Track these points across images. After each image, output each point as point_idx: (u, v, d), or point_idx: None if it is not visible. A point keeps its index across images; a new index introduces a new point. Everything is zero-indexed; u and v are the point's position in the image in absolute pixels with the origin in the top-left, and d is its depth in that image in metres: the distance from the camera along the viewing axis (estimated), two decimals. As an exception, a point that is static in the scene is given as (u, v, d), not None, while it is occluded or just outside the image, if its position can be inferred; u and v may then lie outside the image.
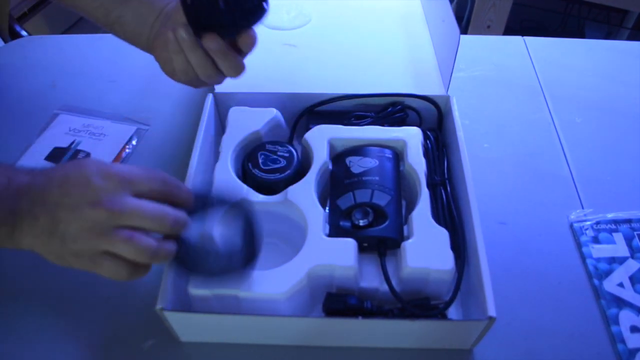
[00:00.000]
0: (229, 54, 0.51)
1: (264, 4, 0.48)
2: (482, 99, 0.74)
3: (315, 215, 0.51)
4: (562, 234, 0.58)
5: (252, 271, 0.45)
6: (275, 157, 0.56)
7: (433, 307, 0.48)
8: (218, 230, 0.50)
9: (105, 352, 0.49)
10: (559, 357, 0.49)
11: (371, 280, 0.49)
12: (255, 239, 0.45)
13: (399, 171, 0.56)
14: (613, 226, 0.58)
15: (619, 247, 0.57)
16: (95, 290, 0.54)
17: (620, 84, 0.77)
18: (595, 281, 0.54)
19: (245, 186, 0.54)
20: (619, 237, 0.57)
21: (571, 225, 0.59)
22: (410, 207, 0.53)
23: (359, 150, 0.57)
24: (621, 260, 0.55)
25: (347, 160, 0.56)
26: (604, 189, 0.63)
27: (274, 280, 0.46)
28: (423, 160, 0.56)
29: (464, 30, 1.60)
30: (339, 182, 0.55)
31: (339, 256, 0.48)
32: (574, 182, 0.64)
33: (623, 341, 0.49)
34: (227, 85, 0.60)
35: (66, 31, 1.94)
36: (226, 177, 0.54)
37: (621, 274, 0.54)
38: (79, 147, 0.66)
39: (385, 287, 0.48)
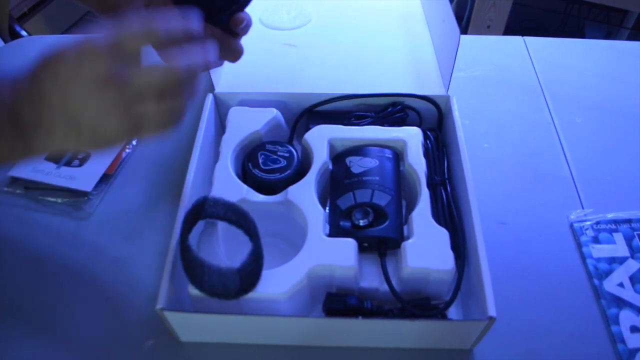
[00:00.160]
0: (225, 38, 0.50)
1: None
2: (482, 99, 0.74)
3: (316, 215, 0.51)
4: (562, 234, 0.58)
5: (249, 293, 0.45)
6: (275, 157, 0.56)
7: (433, 307, 0.48)
8: (224, 248, 0.50)
9: (105, 352, 0.49)
10: (559, 357, 0.49)
11: (371, 280, 0.49)
12: (259, 264, 0.46)
13: (399, 171, 0.56)
14: (613, 226, 0.58)
15: (619, 247, 0.57)
16: (95, 290, 0.54)
17: (620, 84, 0.77)
18: (596, 281, 0.54)
19: (245, 186, 0.54)
20: (619, 237, 0.57)
21: (571, 225, 0.59)
22: (411, 207, 0.53)
23: (359, 150, 0.57)
24: (621, 260, 0.55)
25: (347, 160, 0.56)
26: (604, 189, 0.63)
27: (274, 280, 0.46)
28: (423, 160, 0.56)
29: (464, 30, 1.60)
30: (339, 182, 0.55)
31: (339, 256, 0.48)
32: (574, 182, 0.64)
33: (623, 341, 0.49)
34: (227, 85, 0.60)
35: (66, 31, 1.95)
36: (226, 177, 0.54)
37: (621, 274, 0.54)
38: (79, 147, 0.66)
39: (385, 287, 0.48)
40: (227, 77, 0.69)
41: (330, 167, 0.57)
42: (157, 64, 0.36)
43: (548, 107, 0.74)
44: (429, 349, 0.49)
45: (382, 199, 0.52)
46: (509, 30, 1.54)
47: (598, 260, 0.55)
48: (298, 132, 0.64)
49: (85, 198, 0.61)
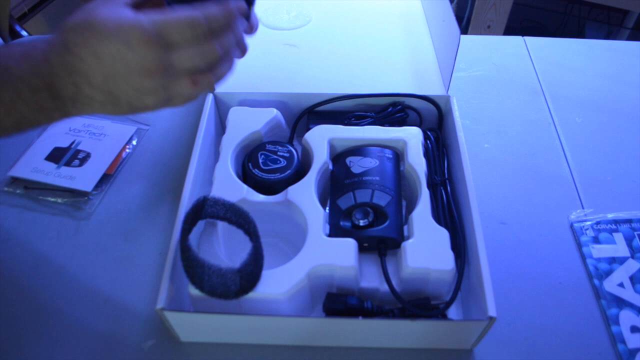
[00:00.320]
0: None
1: None
2: (483, 99, 0.74)
3: (316, 215, 0.51)
4: (562, 234, 0.58)
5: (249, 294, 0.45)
6: (275, 157, 0.56)
7: (433, 307, 0.48)
8: (225, 249, 0.50)
9: (106, 353, 0.49)
10: (559, 357, 0.49)
11: (371, 280, 0.49)
12: (259, 264, 0.46)
13: (399, 171, 0.56)
14: (613, 226, 0.58)
15: (620, 247, 0.57)
16: (95, 290, 0.54)
17: (620, 84, 0.77)
18: (596, 281, 0.54)
19: (245, 186, 0.54)
20: (619, 237, 0.57)
21: (571, 225, 0.59)
22: (411, 207, 0.53)
23: (359, 150, 0.57)
24: (621, 261, 0.55)
25: (348, 160, 0.56)
26: (604, 189, 0.63)
27: (275, 280, 0.46)
28: (423, 160, 0.56)
29: (464, 30, 1.60)
30: (339, 182, 0.55)
31: (340, 256, 0.48)
32: (574, 182, 0.64)
33: (623, 341, 0.49)
34: (228, 85, 0.60)
35: (66, 31, 1.94)
36: (226, 177, 0.54)
37: (621, 274, 0.54)
38: (79, 147, 0.66)
39: (385, 287, 0.48)
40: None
41: (331, 167, 0.57)
42: (197, 48, 0.38)
43: (548, 107, 0.73)
44: (429, 349, 0.49)
45: (382, 199, 0.52)
46: (509, 30, 1.54)
47: (598, 260, 0.55)
48: (298, 132, 0.64)
49: (85, 198, 0.61)
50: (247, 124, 0.60)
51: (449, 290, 0.49)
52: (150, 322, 0.51)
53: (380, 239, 0.50)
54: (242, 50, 0.47)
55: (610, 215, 0.59)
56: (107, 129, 0.69)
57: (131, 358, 0.49)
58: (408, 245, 0.48)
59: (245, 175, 0.56)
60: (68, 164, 0.64)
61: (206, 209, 0.48)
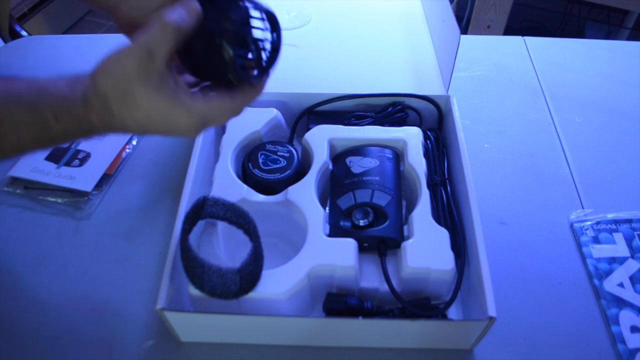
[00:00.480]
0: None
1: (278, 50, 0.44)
2: (483, 99, 0.74)
3: (316, 215, 0.51)
4: (562, 234, 0.58)
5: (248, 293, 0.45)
6: (275, 157, 0.56)
7: (433, 307, 0.48)
8: (225, 250, 0.50)
9: (106, 352, 0.49)
10: (559, 357, 0.49)
11: (371, 280, 0.49)
12: (259, 264, 0.46)
13: (399, 171, 0.56)
14: (613, 226, 0.58)
15: (619, 247, 0.57)
16: (95, 290, 0.54)
17: (620, 84, 0.77)
18: (596, 281, 0.54)
19: (245, 186, 0.54)
20: (619, 237, 0.57)
21: (571, 225, 0.59)
22: (411, 207, 0.53)
23: (359, 150, 0.57)
24: (621, 261, 0.55)
25: (348, 160, 0.56)
26: (604, 189, 0.63)
27: (275, 280, 0.46)
28: (423, 161, 0.56)
29: (464, 30, 1.60)
30: (339, 182, 0.55)
31: (340, 256, 0.48)
32: (574, 182, 0.64)
33: (623, 341, 0.49)
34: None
35: (66, 31, 1.95)
36: (226, 177, 0.54)
37: (621, 274, 0.54)
38: (79, 147, 0.66)
39: (385, 287, 0.48)
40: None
41: (331, 167, 0.57)
42: (227, 106, 0.42)
43: (548, 107, 0.74)
44: (429, 349, 0.49)
45: (382, 199, 0.52)
46: (509, 30, 1.54)
47: (598, 260, 0.55)
48: (298, 132, 0.64)
49: (85, 198, 0.61)
50: (247, 124, 0.60)
51: (449, 290, 0.49)
52: (150, 322, 0.51)
53: (380, 239, 0.50)
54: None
55: (610, 215, 0.59)
56: (107, 129, 0.68)
57: (131, 358, 0.49)
58: (408, 245, 0.48)
59: (245, 175, 0.56)
60: (68, 164, 0.64)
61: (206, 209, 0.48)
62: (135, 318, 0.51)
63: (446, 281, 0.48)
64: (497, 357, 0.49)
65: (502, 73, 0.79)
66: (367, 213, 0.51)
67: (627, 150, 0.68)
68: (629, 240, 0.57)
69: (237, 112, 0.43)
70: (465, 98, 0.73)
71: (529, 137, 0.69)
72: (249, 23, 0.42)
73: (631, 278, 0.54)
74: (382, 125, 0.61)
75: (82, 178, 0.62)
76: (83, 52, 0.83)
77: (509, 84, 0.77)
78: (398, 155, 0.57)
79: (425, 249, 0.48)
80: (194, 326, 0.48)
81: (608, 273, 0.54)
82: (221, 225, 0.51)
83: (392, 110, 0.63)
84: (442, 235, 0.49)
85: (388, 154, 0.56)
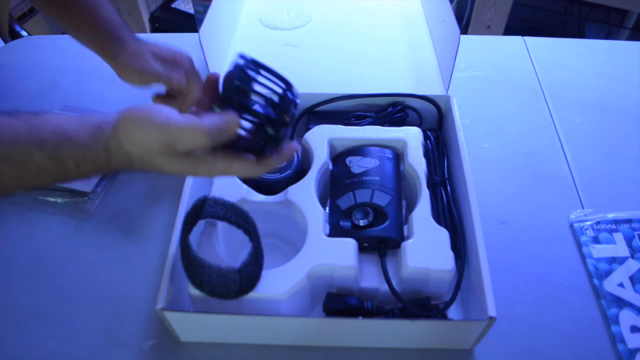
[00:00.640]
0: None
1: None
2: (482, 99, 0.74)
3: (316, 215, 0.51)
4: (562, 234, 0.58)
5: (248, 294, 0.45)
6: (275, 157, 0.56)
7: (433, 307, 0.48)
8: (224, 250, 0.50)
9: (106, 353, 0.49)
10: (559, 357, 0.49)
11: (371, 280, 0.49)
12: (259, 264, 0.46)
13: (399, 171, 0.56)
14: (613, 226, 0.58)
15: (619, 247, 0.57)
16: (95, 290, 0.54)
17: (620, 84, 0.77)
18: (596, 281, 0.54)
19: (245, 186, 0.54)
20: (619, 237, 0.57)
21: (571, 226, 0.59)
22: (411, 207, 0.53)
23: (359, 150, 0.57)
24: (621, 261, 0.55)
25: (347, 160, 0.56)
26: (604, 189, 0.63)
27: (275, 281, 0.46)
28: (423, 161, 0.56)
29: (464, 30, 1.60)
30: (339, 182, 0.55)
31: (339, 256, 0.48)
32: (574, 182, 0.64)
33: (623, 341, 0.49)
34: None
35: (66, 31, 1.94)
36: (226, 177, 0.54)
37: (621, 274, 0.54)
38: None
39: (385, 287, 0.48)
40: (227, 77, 0.69)
41: (330, 167, 0.57)
42: (246, 167, 0.42)
43: (548, 107, 0.73)
44: (429, 349, 0.49)
45: (382, 199, 0.52)
46: (509, 30, 1.54)
47: (598, 260, 0.55)
48: (298, 132, 0.64)
49: (85, 198, 0.61)
50: (247, 124, 0.59)
51: (449, 290, 0.49)
52: (150, 322, 0.51)
53: (380, 239, 0.50)
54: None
55: (610, 215, 0.59)
56: (107, 129, 0.68)
57: (131, 358, 0.49)
58: (408, 245, 0.48)
59: (245, 175, 0.56)
60: (68, 164, 0.64)
61: (206, 209, 0.48)
62: (135, 318, 0.51)
63: (446, 281, 0.48)
64: (497, 357, 0.49)
65: (502, 73, 0.79)
66: (367, 213, 0.51)
67: (627, 150, 0.67)
68: (628, 240, 0.57)
69: (254, 172, 0.43)
70: (465, 98, 0.73)
71: (529, 137, 0.69)
72: (287, 109, 0.42)
73: (631, 278, 0.54)
74: (382, 125, 0.61)
75: (82, 178, 0.62)
76: (83, 52, 0.83)
77: (509, 84, 0.77)
78: (398, 155, 0.57)
79: (425, 249, 0.48)
80: (194, 326, 0.48)
81: (608, 273, 0.54)
82: (221, 225, 0.51)
83: (392, 110, 0.63)
84: (442, 235, 0.49)
85: (388, 154, 0.56)
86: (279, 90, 0.42)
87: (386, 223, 0.51)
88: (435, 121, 0.65)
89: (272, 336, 0.49)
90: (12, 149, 0.36)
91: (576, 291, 0.54)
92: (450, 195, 0.55)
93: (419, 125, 0.61)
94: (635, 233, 0.58)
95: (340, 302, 0.48)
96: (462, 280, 0.49)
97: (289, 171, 0.55)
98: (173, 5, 1.95)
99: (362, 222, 0.51)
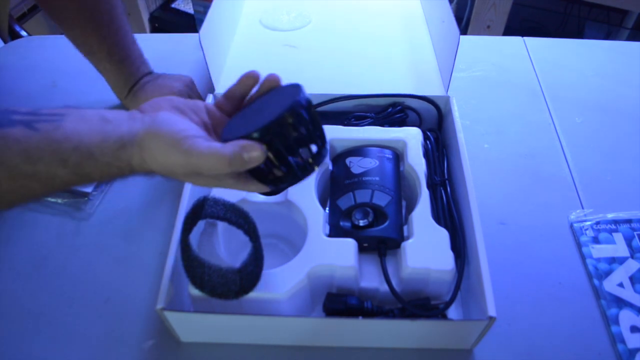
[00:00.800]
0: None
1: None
2: (482, 100, 0.75)
3: (316, 216, 0.51)
4: (562, 234, 0.58)
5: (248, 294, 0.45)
6: (275, 157, 0.56)
7: (433, 307, 0.48)
8: (224, 250, 0.50)
9: (106, 353, 0.49)
10: (559, 357, 0.49)
11: (371, 280, 0.49)
12: (259, 264, 0.46)
13: (399, 171, 0.56)
14: (613, 226, 0.58)
15: (619, 247, 0.57)
16: (95, 290, 0.54)
17: (620, 84, 0.77)
18: (596, 281, 0.54)
19: (245, 186, 0.54)
20: (619, 237, 0.57)
21: (571, 226, 0.59)
22: (410, 207, 0.53)
23: (359, 150, 0.57)
24: (621, 261, 0.55)
25: (347, 160, 0.56)
26: (604, 189, 0.63)
27: (275, 281, 0.46)
28: (423, 161, 0.56)
29: (464, 30, 1.60)
30: (339, 183, 0.55)
31: (339, 256, 0.48)
32: (574, 183, 0.64)
33: (623, 341, 0.49)
34: (228, 86, 0.59)
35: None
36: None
37: (621, 274, 0.54)
38: (79, 148, 0.66)
39: (385, 287, 0.48)
40: (227, 77, 0.69)
41: (330, 167, 0.57)
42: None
43: (548, 107, 0.74)
44: (429, 349, 0.49)
45: (382, 200, 0.52)
46: (508, 31, 1.54)
47: (598, 260, 0.55)
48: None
49: (86, 198, 0.61)
50: (247, 124, 0.60)
51: (448, 290, 0.49)
52: (150, 322, 0.51)
53: (380, 239, 0.50)
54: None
55: (610, 216, 0.59)
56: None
57: (131, 358, 0.49)
58: (408, 246, 0.48)
59: (245, 175, 0.56)
60: (68, 164, 0.64)
61: (206, 209, 0.48)
62: (135, 318, 0.51)
63: (446, 281, 0.48)
64: (497, 357, 0.49)
65: (501, 73, 0.79)
66: (366, 213, 0.51)
67: (627, 150, 0.68)
68: (628, 240, 0.57)
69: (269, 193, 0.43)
70: (465, 98, 0.73)
71: (528, 138, 0.69)
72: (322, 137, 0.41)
73: (631, 278, 0.54)
74: (382, 125, 0.61)
75: (82, 178, 0.62)
76: (83, 52, 0.84)
77: (508, 85, 0.77)
78: (398, 156, 0.58)
79: (425, 249, 0.48)
80: (194, 326, 0.48)
81: (608, 273, 0.54)
82: (221, 225, 0.51)
83: (392, 110, 0.63)
84: (442, 235, 0.49)
85: (388, 154, 0.56)
86: (315, 148, 0.40)
87: (386, 223, 0.51)
88: (435, 122, 0.65)
89: (272, 336, 0.49)
90: (37, 167, 0.36)
91: (576, 291, 0.54)
92: (450, 196, 0.55)
93: (418, 126, 0.61)
94: (635, 233, 0.58)
95: (340, 302, 0.48)
96: (462, 281, 0.49)
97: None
98: (173, 5, 1.95)
99: (362, 223, 0.51)
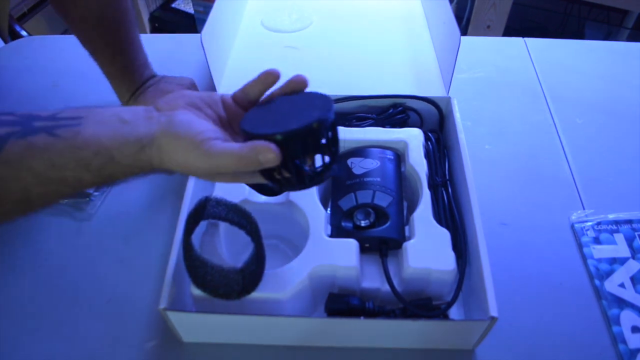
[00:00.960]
0: None
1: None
2: (483, 101, 0.75)
3: (317, 216, 0.51)
4: (563, 235, 0.59)
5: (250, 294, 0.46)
6: (277, 158, 0.56)
7: (435, 307, 0.48)
8: (227, 251, 0.50)
9: (108, 353, 0.50)
10: (560, 358, 0.49)
11: (373, 280, 0.49)
12: (261, 264, 0.46)
13: (401, 172, 0.56)
14: (614, 227, 0.58)
15: (620, 248, 0.57)
16: (97, 290, 0.54)
17: (621, 85, 0.77)
18: (597, 282, 0.54)
19: (247, 187, 0.54)
20: (620, 237, 0.58)
21: (572, 226, 0.59)
22: (412, 207, 0.53)
23: (360, 151, 0.57)
24: (622, 261, 0.56)
25: (349, 161, 0.56)
26: (605, 190, 0.63)
27: (276, 281, 0.46)
28: (424, 162, 0.56)
29: (464, 31, 1.60)
30: (340, 183, 0.55)
31: (341, 256, 0.48)
32: (575, 183, 0.64)
33: (624, 341, 0.49)
34: (228, 87, 0.60)
35: (66, 31, 1.94)
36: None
37: (622, 274, 0.54)
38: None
39: (387, 287, 0.48)
40: (228, 78, 0.69)
41: (332, 168, 0.57)
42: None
43: (549, 108, 0.74)
44: (431, 349, 0.49)
45: (383, 200, 0.52)
46: (508, 31, 1.55)
47: (599, 260, 0.56)
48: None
49: (87, 199, 0.61)
50: (248, 124, 0.60)
51: (450, 290, 0.49)
52: (152, 323, 0.51)
53: (382, 240, 0.50)
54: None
55: (611, 216, 0.59)
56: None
57: (133, 358, 0.49)
58: (409, 246, 0.48)
59: (247, 176, 0.56)
60: (70, 164, 0.64)
61: (208, 210, 0.49)
62: (137, 318, 0.52)
63: (447, 281, 0.48)
64: (498, 358, 0.49)
65: (502, 74, 0.79)
66: (368, 214, 0.51)
67: (628, 150, 0.68)
68: (629, 241, 0.57)
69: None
70: (466, 99, 0.73)
71: (529, 138, 0.69)
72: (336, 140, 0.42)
73: (632, 278, 0.54)
74: (383, 126, 0.61)
75: (84, 179, 0.62)
76: (83, 52, 0.83)
77: (509, 86, 0.77)
78: (399, 157, 0.58)
79: (427, 250, 0.48)
80: (196, 326, 0.48)
81: (609, 273, 0.55)
82: (223, 225, 0.51)
83: (393, 111, 0.64)
84: (444, 235, 0.49)
85: (389, 155, 0.57)
86: (327, 159, 0.41)
87: (387, 224, 0.51)
88: (436, 122, 0.65)
89: (274, 336, 0.49)
90: (63, 173, 0.37)
91: (577, 292, 0.54)
92: (451, 196, 0.55)
93: (420, 127, 0.61)
94: (636, 233, 0.58)
95: (342, 302, 0.48)
96: (464, 281, 0.49)
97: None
98: (173, 5, 1.95)
99: (363, 223, 0.51)
